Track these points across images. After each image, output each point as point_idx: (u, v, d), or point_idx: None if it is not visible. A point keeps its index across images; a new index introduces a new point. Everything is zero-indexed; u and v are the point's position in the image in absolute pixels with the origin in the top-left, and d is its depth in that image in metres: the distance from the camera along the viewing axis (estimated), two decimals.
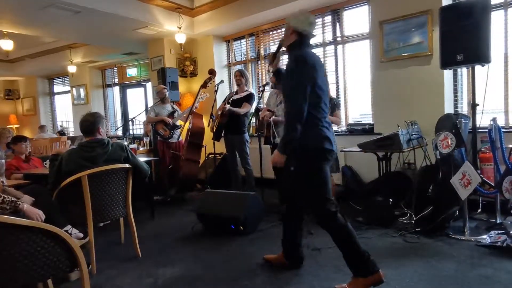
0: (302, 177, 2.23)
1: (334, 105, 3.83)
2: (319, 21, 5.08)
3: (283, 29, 2.50)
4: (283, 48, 2.55)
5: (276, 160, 2.19)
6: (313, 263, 2.60)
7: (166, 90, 5.14)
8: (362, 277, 2.11)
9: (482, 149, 3.39)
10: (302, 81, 2.12)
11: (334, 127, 3.90)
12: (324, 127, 2.21)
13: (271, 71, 2.63)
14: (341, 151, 3.93)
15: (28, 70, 9.19)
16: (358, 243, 2.14)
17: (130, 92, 8.57)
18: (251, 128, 5.49)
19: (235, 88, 5.15)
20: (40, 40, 7.28)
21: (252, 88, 5.82)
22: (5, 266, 1.40)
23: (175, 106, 5.27)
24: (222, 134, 4.62)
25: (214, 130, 4.64)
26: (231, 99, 4.48)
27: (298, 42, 2.30)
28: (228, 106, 4.38)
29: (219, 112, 4.60)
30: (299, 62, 2.18)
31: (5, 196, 2.08)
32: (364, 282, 2.10)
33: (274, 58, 2.59)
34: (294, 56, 2.26)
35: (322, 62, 2.34)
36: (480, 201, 3.47)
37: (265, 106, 4.35)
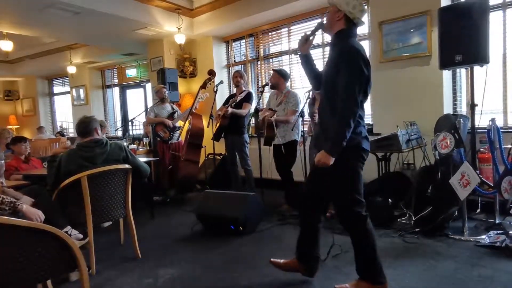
0: (335, 175, 2.05)
1: None
2: (317, 22, 5.08)
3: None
4: (316, 33, 2.29)
5: (323, 162, 1.99)
6: None
7: (165, 90, 5.14)
8: (369, 282, 2.08)
9: (481, 149, 3.39)
10: (359, 78, 1.96)
11: None
12: (363, 126, 2.10)
13: (299, 53, 2.39)
14: None
15: (28, 71, 9.19)
16: (376, 249, 2.08)
17: (129, 92, 8.58)
18: (250, 128, 5.50)
19: (234, 88, 5.15)
20: (39, 40, 7.29)
21: (251, 88, 5.83)
22: (4, 267, 1.40)
23: (175, 107, 5.26)
24: (222, 135, 4.63)
25: (214, 131, 4.64)
26: (234, 103, 4.46)
27: (347, 31, 2.08)
28: (230, 109, 4.38)
29: (219, 113, 4.60)
30: (355, 56, 1.97)
31: (4, 197, 2.08)
32: (368, 287, 2.08)
33: (307, 41, 2.26)
34: (347, 47, 2.01)
35: None
36: (479, 201, 3.47)
37: (265, 107, 4.35)
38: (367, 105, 4.65)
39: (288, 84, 4.22)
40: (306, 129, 4.19)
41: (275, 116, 3.96)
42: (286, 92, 4.11)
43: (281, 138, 4.01)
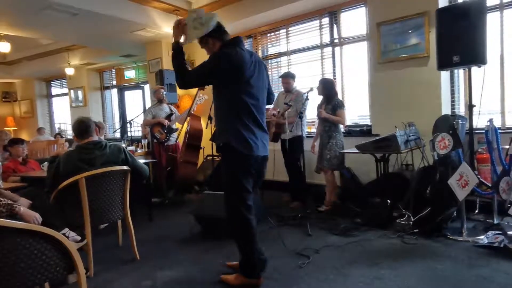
0: (223, 174, 2.31)
1: (336, 105, 3.90)
2: (316, 23, 5.10)
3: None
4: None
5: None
6: (311, 265, 2.60)
7: (163, 90, 5.13)
8: (244, 276, 2.32)
9: (479, 150, 3.40)
10: (203, 71, 2.21)
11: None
12: (252, 132, 2.22)
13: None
14: (339, 152, 3.95)
15: (26, 72, 9.17)
16: (252, 249, 2.28)
17: (128, 94, 8.57)
18: None
19: None
20: (37, 42, 7.27)
21: None
22: (1, 270, 1.39)
23: (173, 108, 5.25)
24: None
25: (213, 132, 4.64)
26: None
27: (222, 45, 2.28)
28: None
29: None
30: (211, 58, 2.22)
31: (2, 199, 2.08)
32: (244, 280, 2.32)
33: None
34: (213, 54, 2.26)
35: (256, 64, 2.29)
36: (478, 202, 3.48)
37: (272, 106, 4.41)
38: (365, 106, 4.71)
39: (295, 83, 4.44)
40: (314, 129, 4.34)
41: (286, 117, 4.09)
42: (295, 92, 4.33)
43: (289, 132, 4.12)
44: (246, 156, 2.21)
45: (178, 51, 2.26)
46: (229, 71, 2.16)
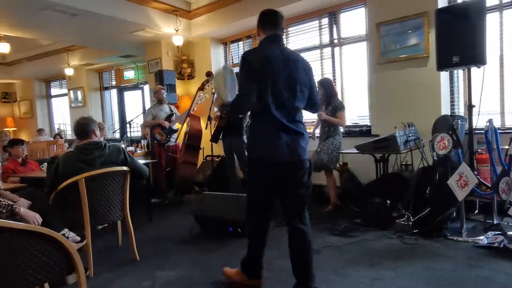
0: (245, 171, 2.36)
1: (336, 107, 3.90)
2: (316, 23, 5.11)
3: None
4: None
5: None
6: None
7: (163, 91, 5.12)
8: (244, 274, 2.36)
9: (479, 150, 3.40)
10: (242, 80, 2.09)
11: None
12: (268, 133, 2.05)
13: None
14: (339, 152, 3.95)
15: (25, 73, 9.17)
16: (254, 250, 2.34)
17: (127, 94, 8.57)
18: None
19: None
20: (37, 42, 7.28)
21: None
22: (1, 270, 1.39)
23: (173, 108, 5.25)
24: (220, 137, 4.62)
25: (213, 132, 4.64)
26: None
27: (260, 41, 2.21)
28: None
29: (218, 113, 4.60)
30: (241, 62, 2.13)
31: (2, 199, 2.08)
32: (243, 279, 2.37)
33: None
34: None
35: (286, 62, 2.05)
36: (477, 202, 3.48)
37: None
38: (365, 106, 4.72)
39: None
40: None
41: None
42: None
43: None
44: (265, 160, 2.08)
45: (225, 108, 2.41)
46: (252, 70, 2.04)
